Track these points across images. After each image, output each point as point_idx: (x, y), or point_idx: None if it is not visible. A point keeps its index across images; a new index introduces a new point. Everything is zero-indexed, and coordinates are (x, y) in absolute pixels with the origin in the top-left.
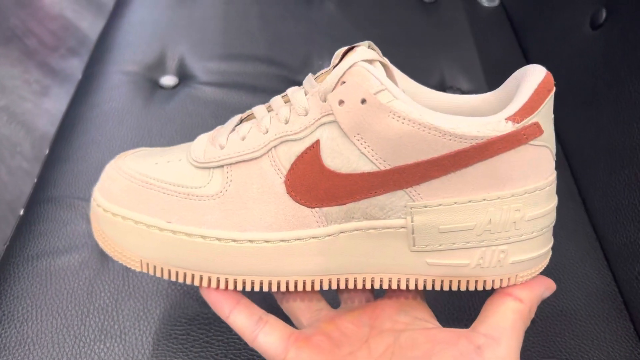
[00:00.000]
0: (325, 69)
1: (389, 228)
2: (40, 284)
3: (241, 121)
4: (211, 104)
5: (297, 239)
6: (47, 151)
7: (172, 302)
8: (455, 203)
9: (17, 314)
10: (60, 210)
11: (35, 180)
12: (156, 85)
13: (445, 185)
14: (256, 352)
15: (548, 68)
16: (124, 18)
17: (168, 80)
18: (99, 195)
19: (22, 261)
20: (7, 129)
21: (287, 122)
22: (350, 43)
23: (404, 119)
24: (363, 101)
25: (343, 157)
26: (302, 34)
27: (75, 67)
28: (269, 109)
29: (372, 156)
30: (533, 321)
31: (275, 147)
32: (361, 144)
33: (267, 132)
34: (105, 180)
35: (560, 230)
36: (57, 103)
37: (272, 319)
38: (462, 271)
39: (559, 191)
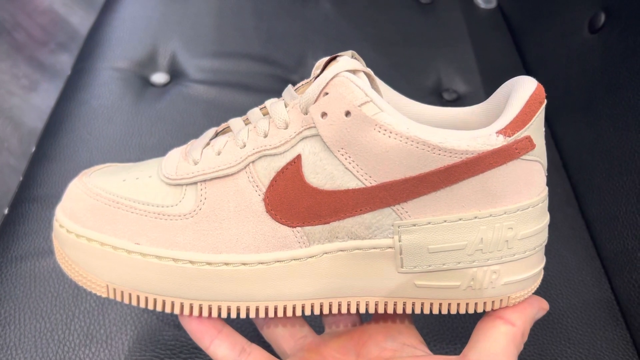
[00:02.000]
0: (306, 80)
1: (375, 248)
2: (24, 286)
3: (216, 134)
4: (203, 102)
5: (277, 261)
6: (34, 148)
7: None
8: (445, 221)
9: None
10: (46, 210)
11: (21, 178)
12: (147, 83)
13: (435, 203)
14: None
15: (545, 72)
16: (115, 13)
17: (159, 77)
18: (61, 215)
19: (5, 262)
20: None
21: (266, 136)
22: (346, 42)
23: (391, 132)
24: (347, 113)
25: (326, 173)
26: (296, 33)
27: (65, 62)
28: (246, 122)
29: (358, 172)
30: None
31: (253, 162)
32: (345, 158)
33: (245, 146)
34: (68, 198)
35: (558, 236)
36: (45, 98)
37: (256, 351)
38: (453, 293)
39: (556, 197)
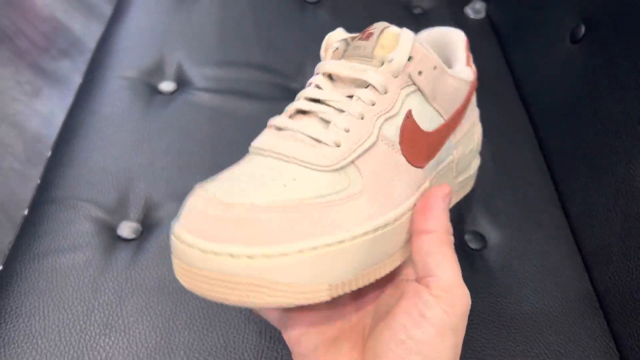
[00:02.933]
0: (362, 43)
1: (451, 162)
2: (47, 280)
3: (291, 116)
4: (208, 109)
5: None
6: (41, 153)
7: (173, 298)
8: (467, 133)
9: (24, 310)
10: (63, 211)
11: (39, 182)
12: (155, 91)
13: (463, 124)
14: (253, 343)
15: (531, 80)
16: (122, 24)
17: (167, 85)
18: (248, 248)
19: (28, 259)
20: None
21: (374, 104)
22: None
23: (455, 78)
24: (434, 68)
25: (428, 119)
26: (296, 42)
27: (67, 68)
28: (343, 99)
29: (442, 112)
30: (515, 320)
31: (380, 127)
32: (437, 104)
33: (364, 117)
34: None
35: (543, 234)
36: (48, 104)
37: None
38: (468, 182)
39: (541, 198)
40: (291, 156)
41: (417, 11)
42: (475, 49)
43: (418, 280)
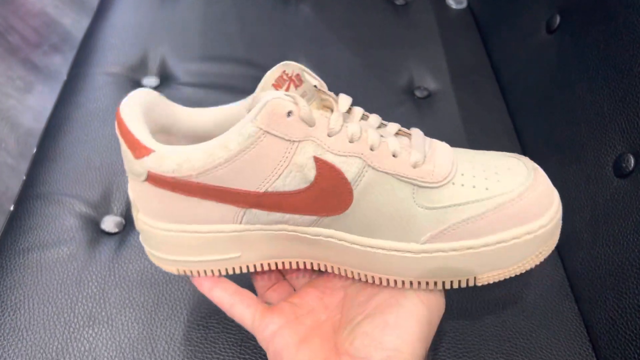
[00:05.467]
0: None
1: None
2: (32, 274)
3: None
4: (191, 103)
5: None
6: (33, 148)
7: (156, 290)
8: None
9: (10, 303)
10: (48, 206)
11: (24, 177)
12: (138, 86)
13: None
14: (234, 334)
15: (509, 69)
16: (106, 20)
17: (150, 81)
18: None
19: (14, 254)
20: None
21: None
22: (324, 45)
23: None
24: None
25: None
26: (278, 37)
27: (59, 63)
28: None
29: None
30: (489, 304)
31: None
32: None
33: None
34: None
35: None
36: (40, 99)
37: (246, 292)
38: None
39: None
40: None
41: (399, 2)
42: (456, 39)
43: None
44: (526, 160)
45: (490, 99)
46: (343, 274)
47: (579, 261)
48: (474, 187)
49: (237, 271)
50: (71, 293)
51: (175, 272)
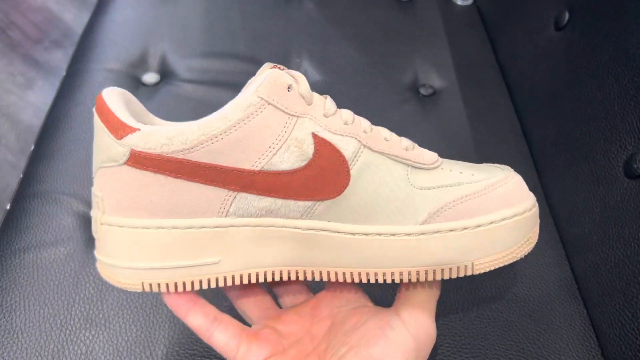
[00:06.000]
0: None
1: None
2: (28, 275)
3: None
4: (192, 100)
5: None
6: (32, 145)
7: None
8: None
9: (5, 305)
10: (46, 205)
11: (21, 175)
12: (139, 83)
13: None
14: None
15: (515, 67)
16: (107, 15)
17: (150, 77)
18: None
19: (10, 254)
20: None
21: None
22: (328, 41)
23: None
24: None
25: None
26: (281, 32)
27: (59, 59)
28: None
29: None
30: (495, 307)
31: None
32: None
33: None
34: None
35: None
36: (41, 96)
37: (226, 319)
38: None
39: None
40: None
41: None
42: (462, 36)
43: (394, 303)
44: (502, 166)
45: (497, 97)
46: (333, 278)
47: (588, 263)
48: (460, 173)
49: (213, 284)
50: (68, 294)
51: (139, 289)
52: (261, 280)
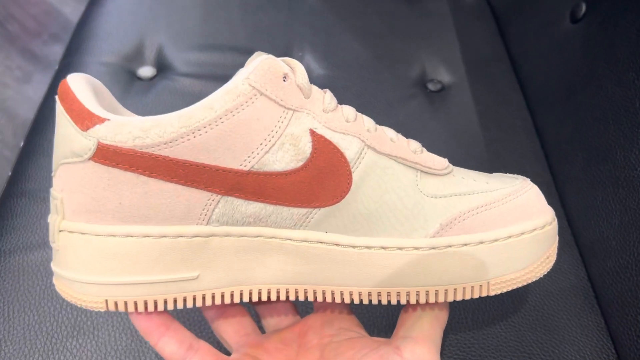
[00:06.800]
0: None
1: None
2: (13, 280)
3: None
4: (189, 95)
5: None
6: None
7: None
8: None
9: None
10: (34, 204)
11: (9, 173)
12: (134, 77)
13: None
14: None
15: (528, 62)
16: (102, 7)
17: (146, 71)
18: None
19: None
20: None
21: None
22: (331, 34)
23: None
24: None
25: None
26: (282, 25)
27: (58, 53)
28: None
29: None
30: (506, 316)
31: None
32: None
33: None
34: None
35: None
36: (39, 90)
37: (203, 347)
38: None
39: (536, 185)
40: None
41: None
42: (471, 30)
43: (393, 335)
44: (515, 175)
45: (508, 92)
46: (329, 299)
47: (607, 271)
48: (474, 180)
49: (190, 303)
50: (55, 300)
51: (103, 308)
52: (245, 299)
